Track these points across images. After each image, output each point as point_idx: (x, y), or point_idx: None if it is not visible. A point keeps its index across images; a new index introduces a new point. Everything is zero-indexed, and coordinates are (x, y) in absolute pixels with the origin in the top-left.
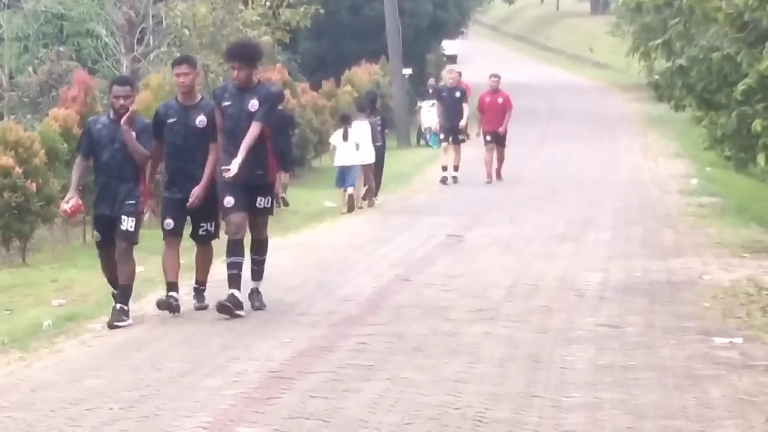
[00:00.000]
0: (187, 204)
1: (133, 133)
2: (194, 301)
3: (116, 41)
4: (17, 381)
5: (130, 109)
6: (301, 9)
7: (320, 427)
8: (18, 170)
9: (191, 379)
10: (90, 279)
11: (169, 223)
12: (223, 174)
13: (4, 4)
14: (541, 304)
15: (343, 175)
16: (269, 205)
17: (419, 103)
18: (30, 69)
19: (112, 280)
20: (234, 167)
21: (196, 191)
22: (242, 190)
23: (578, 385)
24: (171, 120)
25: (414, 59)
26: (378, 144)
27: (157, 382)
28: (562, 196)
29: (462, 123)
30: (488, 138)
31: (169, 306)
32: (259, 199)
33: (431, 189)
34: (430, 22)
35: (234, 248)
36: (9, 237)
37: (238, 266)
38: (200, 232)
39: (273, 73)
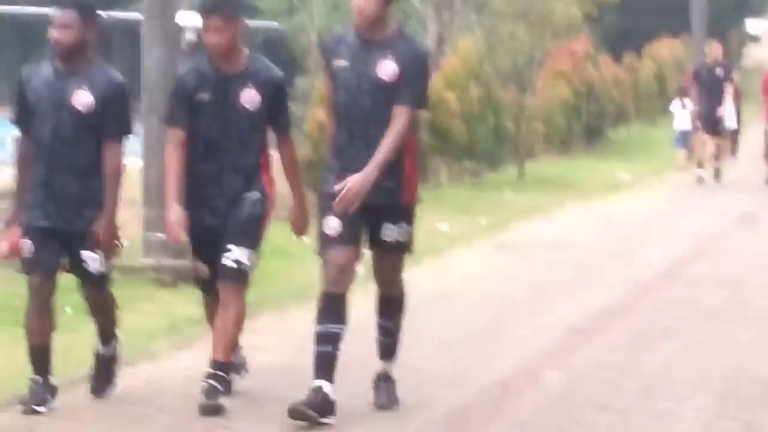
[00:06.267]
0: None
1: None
2: (203, 397)
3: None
4: None
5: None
6: None
7: (618, 377)
8: None
9: (497, 330)
10: None
11: (202, 268)
12: (331, 188)
13: None
14: None
15: (680, 138)
16: (403, 239)
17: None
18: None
19: (41, 348)
20: (357, 186)
21: (295, 219)
22: (357, 210)
23: None
24: (202, 95)
25: (716, 37)
26: None
27: (468, 331)
28: None
29: (721, 110)
30: None
31: (215, 410)
32: (385, 228)
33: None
34: (736, 0)
35: (330, 308)
36: None
37: (334, 340)
38: (225, 263)
39: (576, 44)
